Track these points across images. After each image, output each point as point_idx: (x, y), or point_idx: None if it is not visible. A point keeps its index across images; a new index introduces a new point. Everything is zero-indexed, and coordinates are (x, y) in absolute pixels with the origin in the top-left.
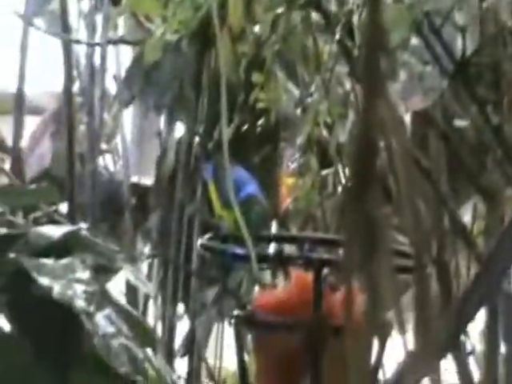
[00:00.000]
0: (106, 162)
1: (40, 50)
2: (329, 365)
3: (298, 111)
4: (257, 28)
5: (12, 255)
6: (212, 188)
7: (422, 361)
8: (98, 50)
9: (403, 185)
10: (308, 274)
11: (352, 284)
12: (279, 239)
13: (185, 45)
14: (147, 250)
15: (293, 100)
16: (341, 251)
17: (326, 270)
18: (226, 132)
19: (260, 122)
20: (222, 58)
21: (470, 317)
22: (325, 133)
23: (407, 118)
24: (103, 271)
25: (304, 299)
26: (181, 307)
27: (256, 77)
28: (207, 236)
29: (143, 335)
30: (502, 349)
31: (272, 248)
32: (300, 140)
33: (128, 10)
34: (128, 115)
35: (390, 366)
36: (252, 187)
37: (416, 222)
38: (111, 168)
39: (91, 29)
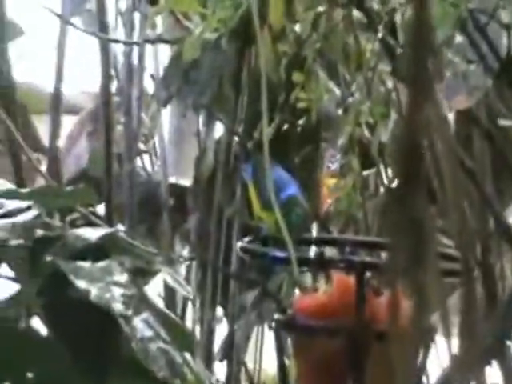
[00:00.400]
0: (143, 162)
1: (77, 50)
2: (371, 370)
3: (340, 111)
4: (297, 26)
5: (49, 258)
6: (252, 189)
7: (467, 366)
8: (135, 48)
9: (448, 186)
10: (350, 277)
11: (397, 288)
12: (320, 242)
13: (224, 43)
14: (185, 252)
15: (334, 100)
16: (383, 254)
17: (368, 274)
18: (267, 132)
19: (301, 121)
20: (262, 56)
21: None
22: (366, 133)
23: (451, 118)
24: (141, 274)
25: (346, 303)
26: (220, 310)
27: (297, 76)
28: (247, 238)
29: (181, 339)
30: None
31: (313, 251)
32: (341, 140)
33: (166, 8)
34: (166, 115)
35: (434, 372)
36: (293, 188)
37: (461, 224)
38: (149, 168)
39: (129, 28)
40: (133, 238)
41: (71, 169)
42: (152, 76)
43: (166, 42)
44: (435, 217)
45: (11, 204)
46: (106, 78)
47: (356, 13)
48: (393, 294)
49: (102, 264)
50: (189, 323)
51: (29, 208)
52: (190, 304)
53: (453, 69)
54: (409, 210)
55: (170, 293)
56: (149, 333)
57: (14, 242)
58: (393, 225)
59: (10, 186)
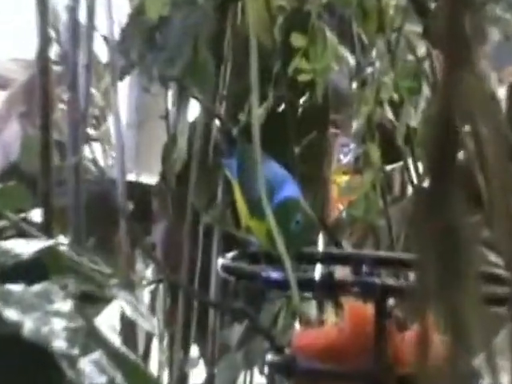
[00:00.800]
0: (93, 153)
1: (6, 4)
2: None
3: (354, 85)
4: None
5: None
6: (237, 189)
7: None
8: (83, 2)
9: (497, 184)
10: (367, 305)
11: (427, 320)
12: (328, 258)
13: None
14: (150, 272)
15: (347, 70)
16: (412, 275)
17: (391, 301)
18: (257, 113)
19: (302, 100)
20: (251, 13)
21: None
22: (390, 114)
23: (501, 93)
24: (90, 301)
25: (361, 340)
26: (195, 350)
27: (297, 39)
28: (231, 254)
29: None
30: None
31: (318, 271)
32: (356, 124)
33: None
34: (124, 90)
35: None
36: (291, 188)
37: None
38: (101, 162)
39: None
40: (79, 253)
41: None
42: (105, 38)
43: None
44: (479, 226)
45: None
46: (44, 41)
47: None
48: (422, 328)
49: (38, 288)
50: (154, 366)
51: None
52: (155, 341)
53: (503, 29)
54: (442, 217)
55: (128, 326)
56: (101, 379)
57: None
58: (422, 236)
59: None
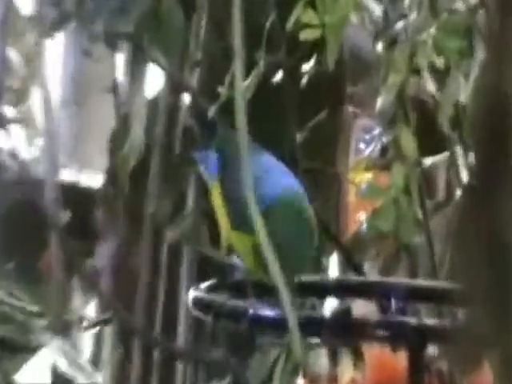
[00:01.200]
0: (12, 141)
1: None
2: None
3: (380, 46)
4: None
5: None
6: (216, 192)
7: None
8: None
9: None
10: (398, 355)
11: (478, 372)
12: (344, 289)
13: None
14: (92, 309)
15: (370, 25)
16: (458, 312)
17: (431, 349)
18: (243, 86)
19: (307, 66)
20: None
21: None
22: (431, 86)
23: None
24: (9, 351)
25: None
26: None
27: None
28: (206, 284)
29: None
30: None
31: (330, 306)
32: (383, 100)
33: None
34: (56, 53)
35: None
36: (291, 187)
37: None
38: (23, 154)
39: None
40: None
41: None
42: None
43: None
44: None
45: None
46: None
47: None
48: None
49: None
50: None
51: None
52: None
53: None
54: (493, 226)
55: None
56: None
57: None
58: (470, 256)
59: None
